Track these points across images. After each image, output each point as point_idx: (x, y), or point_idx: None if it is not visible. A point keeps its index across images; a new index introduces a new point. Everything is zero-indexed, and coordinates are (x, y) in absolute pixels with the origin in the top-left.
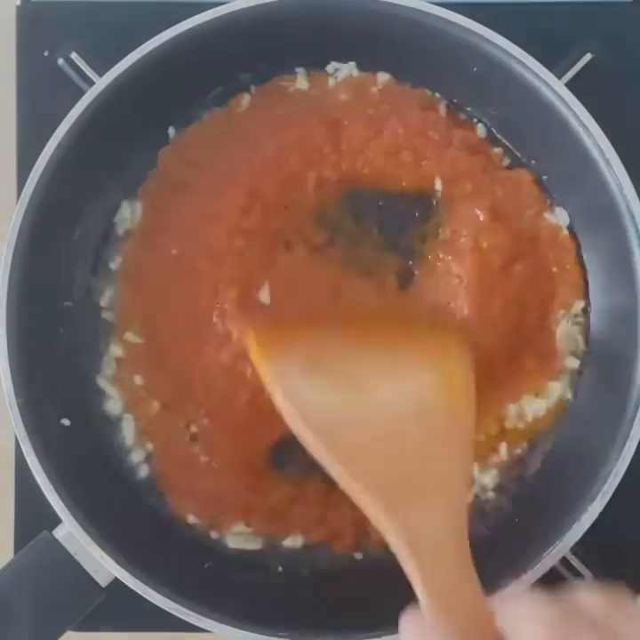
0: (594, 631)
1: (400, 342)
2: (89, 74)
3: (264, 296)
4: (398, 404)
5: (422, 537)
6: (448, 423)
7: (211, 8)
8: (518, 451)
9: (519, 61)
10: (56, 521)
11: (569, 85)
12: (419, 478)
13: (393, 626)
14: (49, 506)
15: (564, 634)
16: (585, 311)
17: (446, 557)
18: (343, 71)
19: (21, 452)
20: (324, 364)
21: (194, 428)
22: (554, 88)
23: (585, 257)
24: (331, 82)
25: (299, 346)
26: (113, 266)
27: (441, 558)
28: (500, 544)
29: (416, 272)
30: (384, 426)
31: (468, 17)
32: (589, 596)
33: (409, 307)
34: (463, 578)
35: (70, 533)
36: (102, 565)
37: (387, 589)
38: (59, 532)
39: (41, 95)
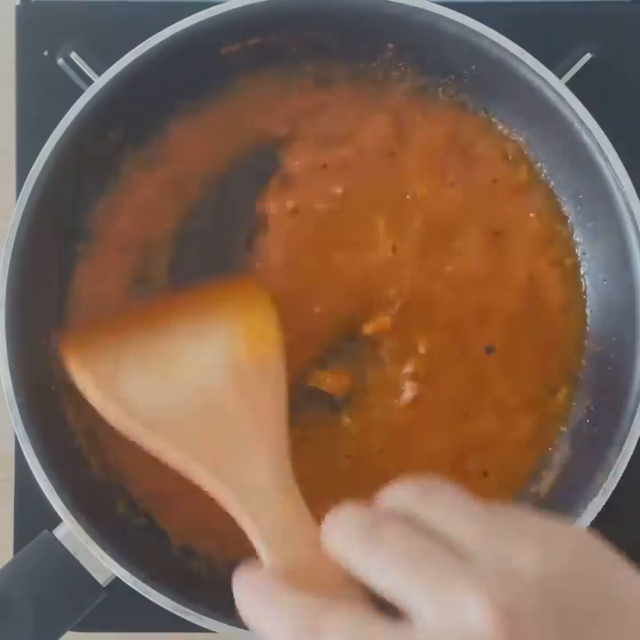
0: (404, 523)
1: (200, 307)
2: (88, 73)
3: None
4: (209, 372)
5: (253, 495)
6: (258, 379)
7: (209, 8)
8: None
9: (519, 60)
10: (56, 521)
11: (569, 85)
12: (238, 438)
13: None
14: (49, 506)
15: (376, 534)
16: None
17: (279, 511)
18: None
19: (21, 452)
20: (131, 350)
21: None
22: (554, 87)
23: (583, 256)
24: None
25: (103, 339)
26: None
27: (274, 513)
28: None
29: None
30: (200, 397)
31: (467, 15)
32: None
33: None
34: (301, 529)
35: (70, 533)
36: (103, 565)
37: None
38: (59, 532)
39: (41, 95)
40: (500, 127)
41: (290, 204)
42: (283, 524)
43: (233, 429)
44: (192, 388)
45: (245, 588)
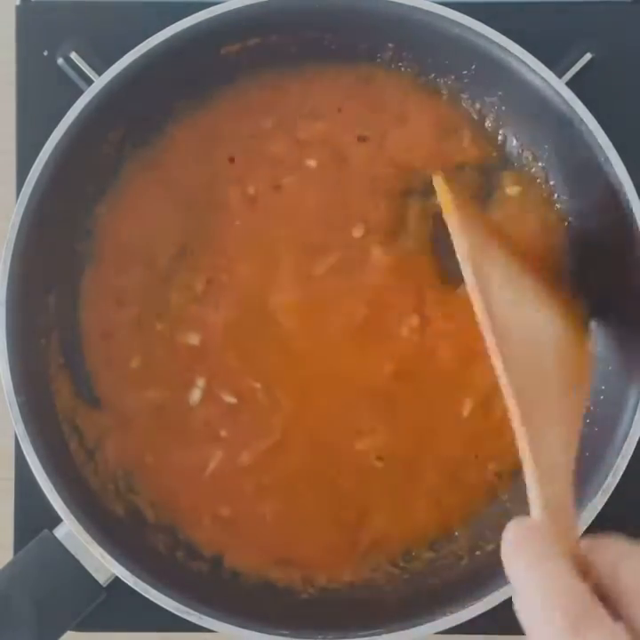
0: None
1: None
2: (88, 73)
3: None
4: (547, 328)
5: (545, 450)
6: (576, 358)
7: (209, 8)
8: None
9: (519, 60)
10: (56, 520)
11: (569, 85)
12: (549, 396)
13: (393, 623)
14: (49, 505)
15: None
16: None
17: (559, 477)
18: None
19: (21, 452)
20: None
21: None
22: (554, 87)
23: (582, 256)
24: None
25: (497, 245)
26: None
27: (555, 476)
28: (499, 542)
29: None
30: (536, 342)
31: (467, 15)
32: (627, 560)
33: None
34: (567, 500)
35: (71, 532)
36: (103, 564)
37: (387, 586)
38: (59, 532)
39: (41, 95)
40: (500, 127)
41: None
42: (557, 486)
43: (552, 390)
44: (534, 330)
45: (519, 540)
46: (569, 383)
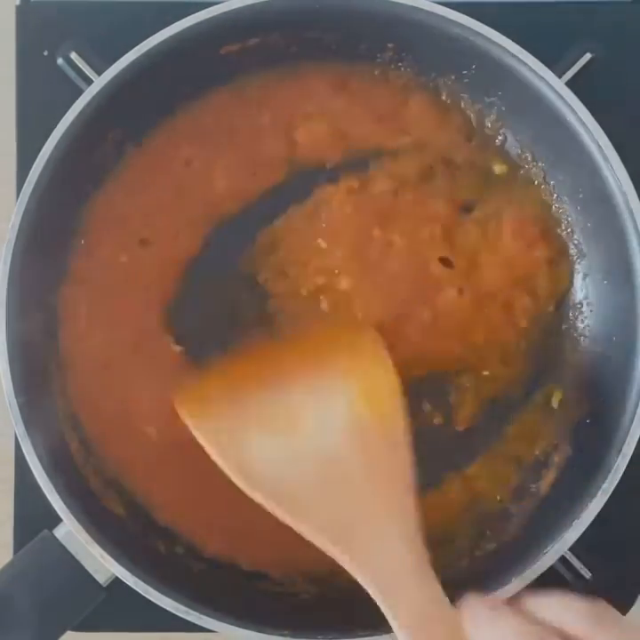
0: None
1: (311, 357)
2: (88, 73)
3: None
4: (329, 430)
5: (381, 569)
6: (381, 441)
7: (209, 8)
8: None
9: (519, 60)
10: (56, 520)
11: (569, 85)
12: (368, 516)
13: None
14: (49, 505)
15: None
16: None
17: (411, 586)
18: None
19: (21, 452)
20: (250, 410)
21: None
22: (554, 87)
23: (583, 256)
24: None
25: (218, 395)
26: None
27: (405, 587)
28: (500, 542)
29: None
30: (324, 466)
31: (467, 15)
32: (569, 612)
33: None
34: (431, 600)
35: (70, 532)
36: (103, 565)
37: None
38: (59, 532)
39: (40, 95)
40: (500, 127)
41: None
42: (417, 608)
43: (361, 505)
44: (315, 456)
45: None
46: (380, 472)
